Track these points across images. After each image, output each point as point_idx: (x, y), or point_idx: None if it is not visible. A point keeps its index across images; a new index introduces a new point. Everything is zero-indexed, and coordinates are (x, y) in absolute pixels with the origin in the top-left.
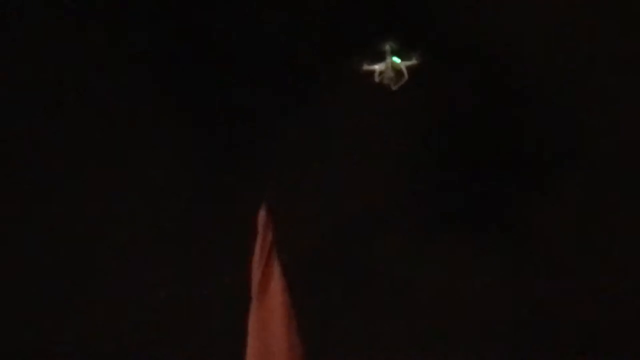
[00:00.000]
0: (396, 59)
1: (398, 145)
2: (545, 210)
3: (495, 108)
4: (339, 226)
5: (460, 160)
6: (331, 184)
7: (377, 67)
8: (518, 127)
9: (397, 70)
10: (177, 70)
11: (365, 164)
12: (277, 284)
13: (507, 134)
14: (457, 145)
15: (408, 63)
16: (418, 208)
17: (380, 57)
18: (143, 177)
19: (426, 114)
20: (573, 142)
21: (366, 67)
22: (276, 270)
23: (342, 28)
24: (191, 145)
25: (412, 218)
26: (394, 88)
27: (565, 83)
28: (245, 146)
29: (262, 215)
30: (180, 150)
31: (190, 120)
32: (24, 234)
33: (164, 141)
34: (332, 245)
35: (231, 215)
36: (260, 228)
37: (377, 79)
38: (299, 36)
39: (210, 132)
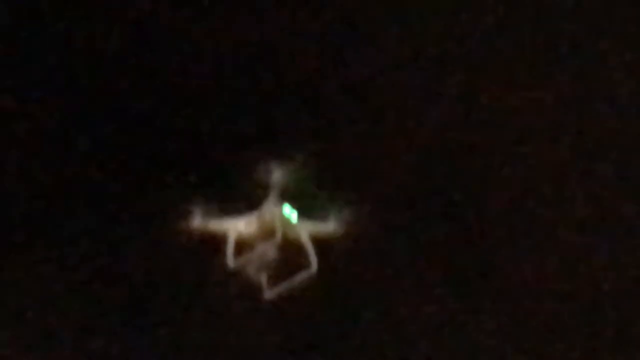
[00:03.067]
0: (289, 213)
1: None
2: None
3: None
4: None
5: None
6: None
7: (242, 223)
8: None
9: (287, 243)
10: None
11: None
12: None
13: None
14: None
15: (319, 227)
16: None
17: (252, 203)
18: None
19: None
20: None
21: (202, 223)
22: None
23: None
24: None
25: None
26: (267, 295)
27: None
28: None
29: None
30: None
31: None
32: None
33: None
34: None
35: None
36: None
37: (231, 263)
38: None
39: None
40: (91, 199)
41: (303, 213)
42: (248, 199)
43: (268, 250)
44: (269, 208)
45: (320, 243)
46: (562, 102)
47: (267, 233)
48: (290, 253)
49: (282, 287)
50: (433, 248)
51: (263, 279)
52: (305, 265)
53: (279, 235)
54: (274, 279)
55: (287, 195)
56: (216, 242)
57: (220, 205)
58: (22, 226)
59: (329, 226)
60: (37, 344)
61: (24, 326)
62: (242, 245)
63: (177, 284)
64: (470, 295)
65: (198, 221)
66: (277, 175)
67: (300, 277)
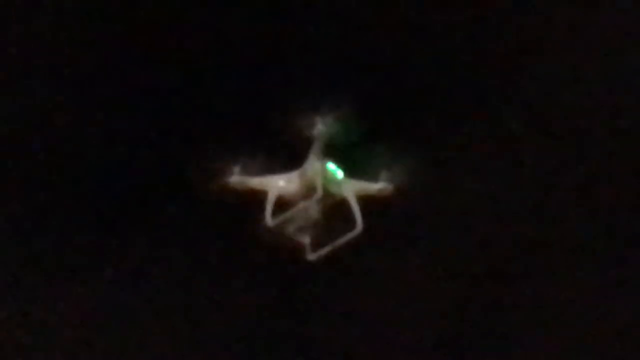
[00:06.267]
0: (333, 169)
1: None
2: None
3: None
4: None
5: None
6: None
7: (283, 180)
8: None
9: (331, 202)
10: None
11: None
12: None
13: None
14: None
15: (366, 185)
16: None
17: (295, 159)
18: None
19: None
20: None
21: (241, 180)
22: None
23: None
24: None
25: None
26: (310, 257)
27: None
28: None
29: None
30: None
31: None
32: None
33: None
34: None
35: None
36: None
37: (269, 222)
38: None
39: None
40: (126, 154)
41: (349, 170)
42: (290, 155)
43: (309, 209)
44: (311, 164)
45: (367, 202)
46: None
47: (309, 191)
48: (334, 212)
49: (326, 249)
50: (487, 207)
51: (306, 239)
52: (351, 225)
53: (319, 192)
54: (318, 240)
55: (331, 151)
56: (256, 200)
57: (261, 162)
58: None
59: (377, 184)
60: None
61: None
62: (284, 204)
63: (217, 242)
64: (518, 270)
65: (237, 178)
66: (320, 128)
67: (345, 238)
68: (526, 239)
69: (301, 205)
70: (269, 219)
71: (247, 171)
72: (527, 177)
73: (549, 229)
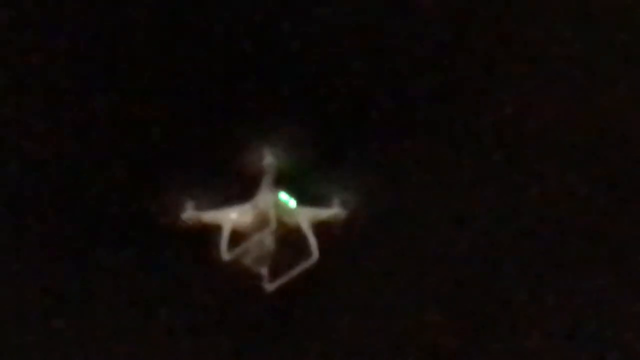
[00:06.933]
0: (285, 199)
1: None
2: None
3: None
4: None
5: None
6: None
7: (236, 213)
8: None
9: (286, 231)
10: None
11: None
12: None
13: None
14: None
15: (319, 212)
16: None
17: (248, 191)
18: None
19: None
20: None
21: (191, 214)
22: None
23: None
24: None
25: None
26: (268, 288)
27: None
28: None
29: None
30: None
31: None
32: None
33: None
34: None
35: None
36: None
37: (225, 256)
38: None
39: None
40: (76, 190)
41: (302, 198)
42: (242, 188)
43: (264, 240)
44: (263, 196)
45: (322, 229)
46: None
47: (262, 222)
48: (290, 242)
49: (283, 279)
50: (444, 227)
51: (263, 270)
52: (306, 254)
53: (273, 224)
54: (274, 271)
55: (283, 180)
56: (211, 234)
57: (213, 196)
58: None
59: (330, 210)
60: None
61: None
62: (238, 237)
63: (173, 279)
64: (484, 292)
65: (190, 213)
66: (270, 159)
67: (301, 267)
68: (491, 260)
69: (256, 237)
70: (224, 253)
71: (200, 206)
72: (488, 198)
73: (516, 249)
